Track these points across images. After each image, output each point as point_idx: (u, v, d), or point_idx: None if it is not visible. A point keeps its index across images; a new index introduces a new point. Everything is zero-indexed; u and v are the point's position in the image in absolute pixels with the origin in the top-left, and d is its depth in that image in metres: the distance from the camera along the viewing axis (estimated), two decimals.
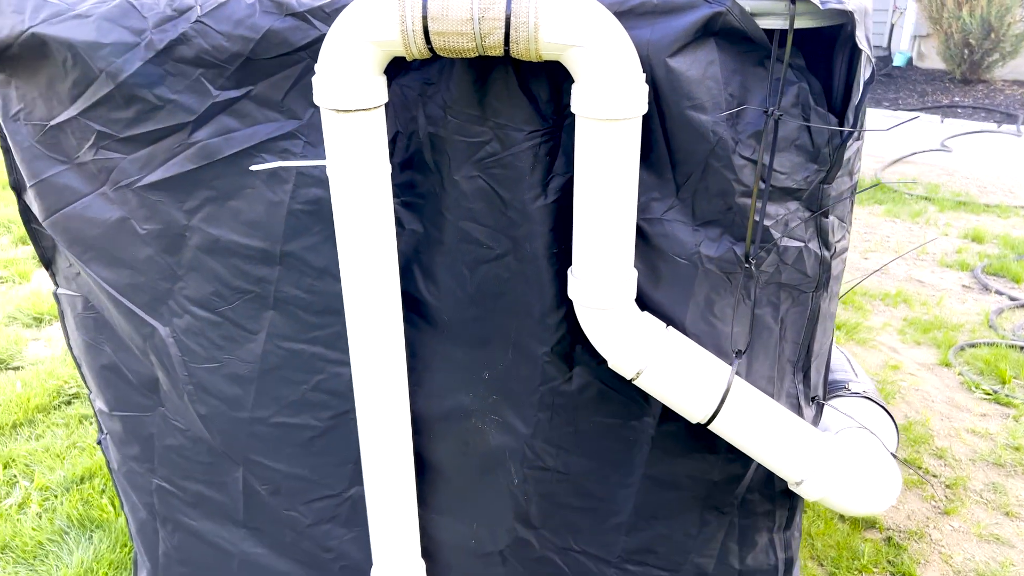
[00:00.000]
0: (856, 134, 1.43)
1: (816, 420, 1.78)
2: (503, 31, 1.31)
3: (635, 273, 1.51)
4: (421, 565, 1.94)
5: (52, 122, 1.64)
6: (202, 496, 2.05)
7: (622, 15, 1.37)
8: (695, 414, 1.54)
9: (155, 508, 2.13)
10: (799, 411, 1.71)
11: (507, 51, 1.33)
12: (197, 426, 1.92)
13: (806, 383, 1.71)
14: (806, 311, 1.61)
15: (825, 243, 1.55)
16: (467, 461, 1.85)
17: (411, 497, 1.84)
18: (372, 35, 1.33)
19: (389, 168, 1.48)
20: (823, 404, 1.79)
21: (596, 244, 1.45)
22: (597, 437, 1.75)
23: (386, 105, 1.51)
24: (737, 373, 1.64)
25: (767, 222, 1.50)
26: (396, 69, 1.51)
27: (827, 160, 1.46)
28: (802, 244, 1.53)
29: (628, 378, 1.55)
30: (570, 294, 1.52)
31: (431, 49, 1.35)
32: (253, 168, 1.55)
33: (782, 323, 1.62)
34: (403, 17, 1.31)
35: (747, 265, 1.49)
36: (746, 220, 1.48)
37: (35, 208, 1.77)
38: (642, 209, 1.53)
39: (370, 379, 1.65)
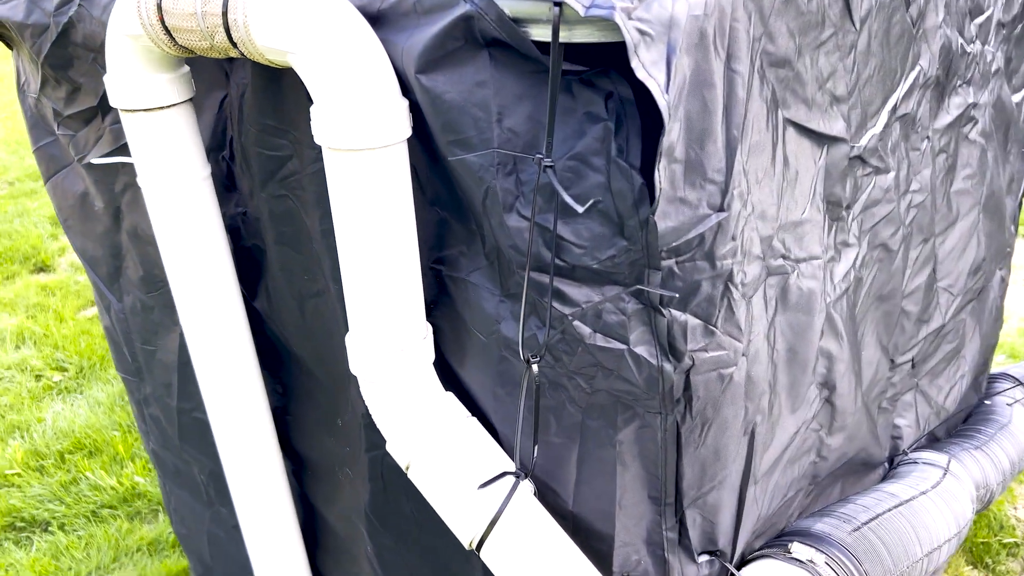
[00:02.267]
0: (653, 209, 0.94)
1: None
2: (224, 30, 1.07)
3: (419, 342, 1.18)
4: None
5: (31, 96, 1.74)
6: (177, 470, 2.09)
7: (380, 16, 1.05)
8: (461, 533, 1.17)
9: (158, 466, 2.23)
10: (663, 565, 1.22)
11: (242, 53, 1.10)
12: (151, 405, 1.95)
13: (683, 532, 1.22)
14: (658, 436, 1.13)
15: (671, 351, 1.06)
16: (341, 511, 1.64)
17: (288, 531, 1.68)
18: (125, 29, 1.18)
19: (202, 173, 1.32)
20: (727, 566, 1.26)
21: (361, 303, 1.15)
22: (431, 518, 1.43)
23: (220, 107, 1.35)
24: (550, 497, 1.22)
25: (567, 310, 1.07)
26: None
27: (636, 237, 0.99)
28: (623, 347, 1.06)
29: (404, 468, 1.23)
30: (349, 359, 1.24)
31: (181, 46, 1.16)
32: (93, 161, 1.49)
33: (620, 445, 1.15)
34: (139, 9, 1.14)
35: (526, 360, 1.08)
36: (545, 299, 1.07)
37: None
38: (450, 264, 1.19)
39: (218, 404, 1.52)
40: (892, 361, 1.72)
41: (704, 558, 1.25)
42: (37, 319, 4.72)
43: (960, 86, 1.60)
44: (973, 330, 2.14)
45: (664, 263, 1.01)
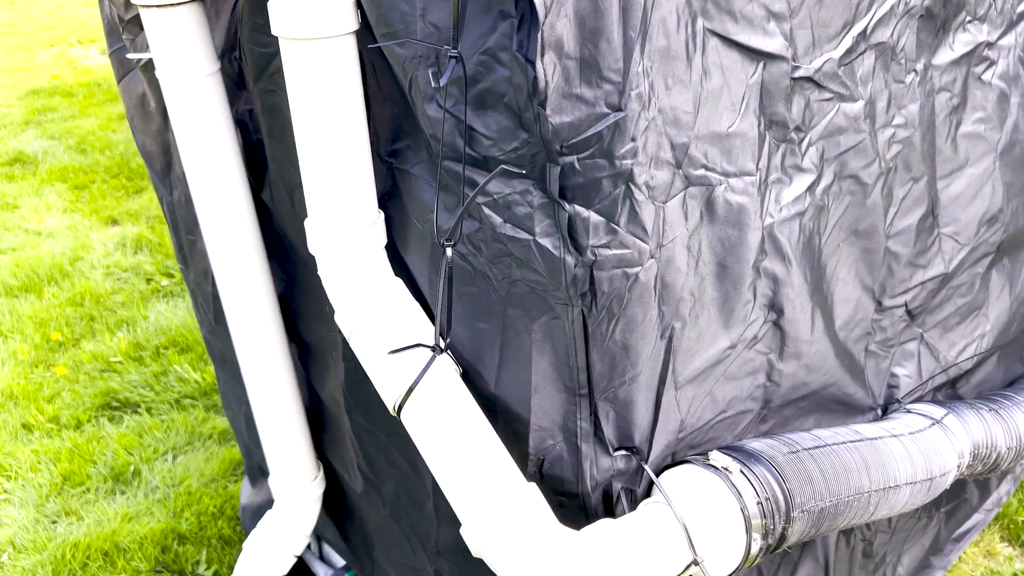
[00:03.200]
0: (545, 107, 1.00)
1: (620, 479, 1.33)
2: None
3: (368, 227, 1.29)
4: (316, 469, 1.95)
5: (106, 2, 1.94)
6: (222, 355, 2.30)
7: None
8: (385, 398, 1.28)
9: (209, 352, 2.46)
10: (576, 454, 1.30)
11: None
12: (196, 293, 2.16)
13: (597, 425, 1.29)
14: (567, 328, 1.20)
15: (574, 244, 1.13)
16: (329, 391, 1.79)
17: (292, 411, 1.84)
18: None
19: (209, 68, 1.47)
20: (643, 464, 1.32)
21: (316, 188, 1.27)
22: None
23: (233, 9, 1.49)
24: (477, 379, 1.31)
25: (481, 199, 1.14)
26: None
27: (534, 130, 1.05)
28: (530, 238, 1.14)
29: (347, 337, 1.35)
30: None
31: None
32: (128, 56, 1.66)
33: (535, 334, 1.23)
34: None
35: (441, 243, 1.16)
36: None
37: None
38: (399, 157, 1.29)
39: (228, 289, 1.68)
40: (879, 303, 1.70)
41: (620, 453, 1.32)
42: (155, 229, 5.14)
43: (968, 22, 1.55)
44: (1001, 289, 2.06)
45: (565, 159, 1.07)
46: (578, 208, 1.10)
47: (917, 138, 1.53)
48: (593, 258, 1.13)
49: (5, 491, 3.19)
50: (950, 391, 2.23)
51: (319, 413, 1.93)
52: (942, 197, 1.69)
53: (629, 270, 1.16)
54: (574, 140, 1.06)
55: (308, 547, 2.59)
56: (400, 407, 1.24)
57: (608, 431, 1.28)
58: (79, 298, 4.44)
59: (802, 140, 1.33)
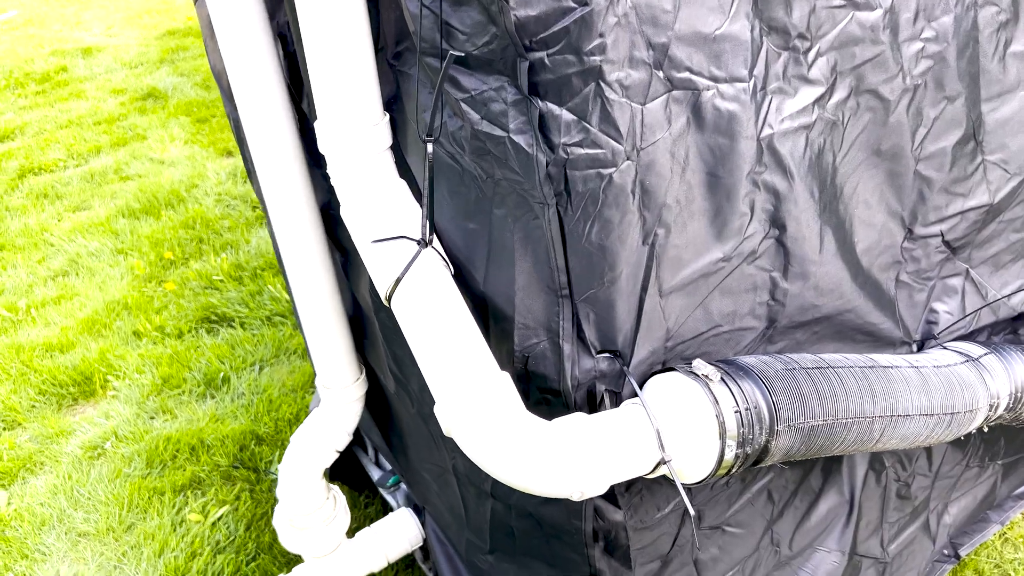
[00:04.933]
0: None
1: (603, 380, 1.36)
2: None
3: (371, 128, 1.34)
4: (357, 371, 2.06)
5: None
6: None
7: None
8: (380, 287, 1.35)
9: (280, 269, 2.60)
10: (558, 353, 1.33)
11: None
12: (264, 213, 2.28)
13: (578, 325, 1.31)
14: (545, 228, 1.23)
15: (547, 142, 1.15)
16: (362, 295, 1.88)
17: (334, 316, 1.95)
18: None
19: None
20: (625, 367, 1.34)
21: (323, 91, 1.33)
22: None
23: None
24: (468, 278, 1.36)
25: (459, 95, 1.18)
26: None
27: (501, 23, 1.07)
28: (504, 134, 1.16)
29: (351, 232, 1.42)
30: None
31: None
32: None
33: (517, 234, 1.26)
34: None
35: (421, 138, 1.20)
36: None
37: None
38: (402, 60, 1.33)
39: (270, 195, 1.79)
40: (910, 231, 1.62)
41: (603, 355, 1.34)
42: None
43: None
44: None
45: (535, 55, 1.09)
46: (550, 105, 1.12)
47: (952, 54, 1.44)
48: (566, 156, 1.14)
49: (114, 388, 3.51)
50: (1011, 336, 2.11)
51: (360, 319, 2.03)
52: (987, 121, 1.58)
53: (603, 170, 1.17)
54: (542, 35, 1.07)
55: (365, 452, 2.75)
56: (390, 296, 1.31)
57: (589, 333, 1.31)
58: (191, 222, 4.75)
59: (808, 49, 1.28)
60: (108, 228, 4.71)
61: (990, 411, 1.73)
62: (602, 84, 1.11)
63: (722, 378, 1.33)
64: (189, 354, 3.64)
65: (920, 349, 1.84)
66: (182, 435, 3.17)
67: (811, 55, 1.29)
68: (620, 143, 1.16)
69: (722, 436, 1.29)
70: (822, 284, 1.50)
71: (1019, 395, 1.80)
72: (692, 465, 1.30)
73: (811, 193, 1.39)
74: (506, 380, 1.24)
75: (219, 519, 2.82)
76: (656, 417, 1.28)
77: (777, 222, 1.38)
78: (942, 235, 1.66)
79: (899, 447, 1.61)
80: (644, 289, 1.30)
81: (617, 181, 1.18)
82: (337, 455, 2.15)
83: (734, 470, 1.34)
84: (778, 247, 1.41)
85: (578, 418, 1.26)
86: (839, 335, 1.65)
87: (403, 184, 1.39)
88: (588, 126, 1.13)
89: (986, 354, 1.77)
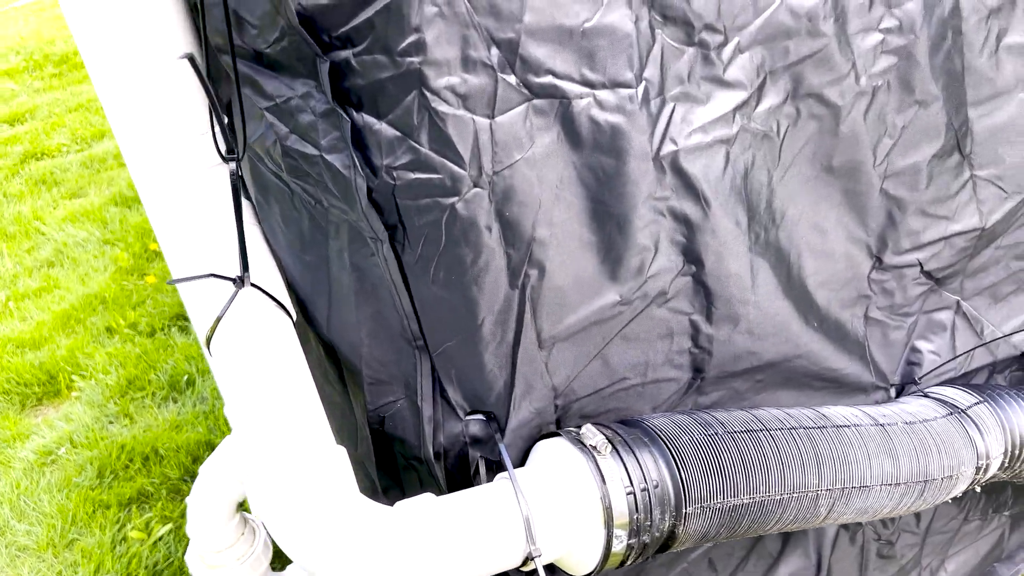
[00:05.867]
0: None
1: (478, 447, 1.12)
2: None
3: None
4: None
5: None
6: None
7: None
8: (196, 327, 1.12)
9: None
10: (418, 414, 1.09)
11: None
12: None
13: (437, 382, 1.07)
14: (383, 266, 0.99)
15: (366, 162, 0.90)
16: None
17: None
18: None
19: None
20: (497, 433, 1.10)
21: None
22: None
23: None
24: (313, 321, 1.13)
25: (263, 103, 0.94)
26: None
27: (288, 14, 0.83)
28: (316, 152, 0.92)
29: None
30: None
31: None
32: None
33: (357, 271, 1.02)
34: None
35: (221, 156, 0.97)
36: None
37: None
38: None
39: None
40: (878, 259, 1.34)
41: (474, 418, 1.10)
42: None
43: None
44: None
45: (338, 54, 0.85)
46: (366, 118, 0.88)
47: (922, 48, 1.16)
48: (392, 181, 0.90)
49: (78, 389, 3.37)
50: (1020, 375, 1.80)
51: None
52: (976, 129, 1.29)
53: (443, 200, 0.92)
54: (343, 29, 0.82)
55: None
56: (208, 340, 1.08)
57: (453, 392, 1.07)
58: None
59: (722, 45, 1.02)
60: (99, 216, 4.59)
61: (978, 473, 1.45)
62: (426, 92, 0.86)
63: (615, 449, 1.07)
64: (158, 354, 3.49)
65: (899, 395, 1.56)
66: (136, 443, 3.01)
67: (727, 51, 1.02)
68: (461, 166, 0.91)
69: (608, 524, 1.05)
70: (758, 328, 1.24)
71: (1017, 451, 1.51)
72: (572, 559, 1.06)
73: (736, 221, 1.13)
74: (338, 457, 1.01)
75: (160, 538, 2.66)
76: (528, 499, 1.04)
77: (692, 257, 1.12)
78: (920, 264, 1.38)
79: (859, 520, 1.35)
80: (517, 340, 1.05)
81: (463, 213, 0.93)
82: None
83: (628, 563, 1.09)
84: (697, 286, 1.15)
85: (425, 501, 1.02)
86: (791, 383, 1.38)
87: (245, 206, 1.16)
88: (416, 145, 0.88)
89: (976, 403, 1.48)
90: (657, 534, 1.09)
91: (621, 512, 1.05)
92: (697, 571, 1.50)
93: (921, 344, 1.52)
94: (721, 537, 1.18)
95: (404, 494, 1.13)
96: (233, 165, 0.94)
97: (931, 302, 1.49)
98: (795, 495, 1.20)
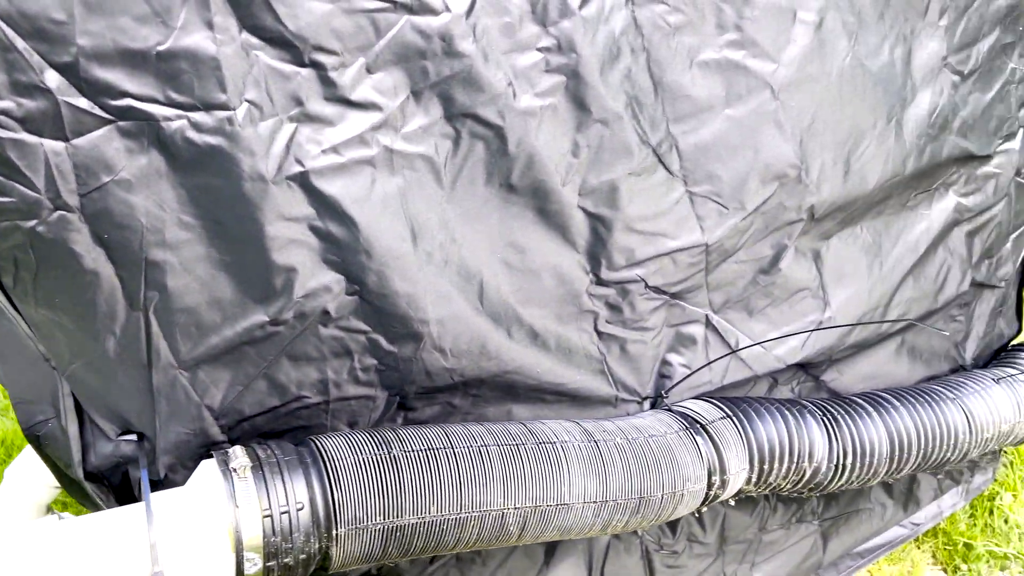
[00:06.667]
0: None
1: (136, 466, 1.10)
2: None
3: None
4: None
5: None
6: None
7: None
8: None
9: None
10: (66, 434, 1.08)
11: None
12: None
13: (78, 401, 1.06)
14: None
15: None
16: None
17: None
18: None
19: None
20: (141, 455, 1.08)
21: None
22: None
23: None
24: None
25: None
26: None
27: None
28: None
29: None
30: None
31: None
32: None
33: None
34: None
35: None
36: None
37: None
38: None
39: None
40: (596, 276, 1.32)
41: (126, 438, 1.08)
42: None
43: None
44: (856, 265, 1.59)
45: None
46: None
47: (591, 67, 1.13)
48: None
49: None
50: (811, 385, 1.78)
51: None
52: (683, 147, 1.27)
53: (22, 223, 0.90)
54: None
55: None
56: None
57: (94, 412, 1.05)
58: None
59: (343, 65, 0.99)
60: None
61: (713, 490, 1.43)
62: None
63: (262, 471, 1.06)
64: None
65: (653, 407, 1.54)
66: None
67: (351, 73, 1.00)
68: (33, 189, 0.89)
69: (238, 547, 1.03)
70: (450, 345, 1.21)
71: (766, 466, 1.49)
72: None
73: (399, 240, 1.10)
74: None
75: None
76: (161, 522, 1.02)
77: (352, 277, 1.10)
78: (644, 280, 1.36)
79: (567, 538, 1.33)
80: (151, 361, 1.04)
81: (48, 236, 0.92)
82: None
83: None
84: (366, 305, 1.13)
85: (42, 525, 1.01)
86: (518, 397, 1.37)
87: None
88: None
89: (721, 418, 1.46)
90: (303, 556, 1.07)
91: (254, 535, 1.03)
92: None
93: (672, 357, 1.50)
94: (394, 557, 1.16)
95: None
96: None
97: (676, 316, 1.46)
98: (476, 514, 1.18)
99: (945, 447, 1.75)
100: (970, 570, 2.20)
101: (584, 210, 1.24)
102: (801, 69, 1.28)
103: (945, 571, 2.24)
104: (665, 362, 1.50)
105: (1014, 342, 2.18)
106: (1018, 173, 1.77)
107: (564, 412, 1.44)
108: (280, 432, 1.19)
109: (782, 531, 1.93)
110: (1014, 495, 2.40)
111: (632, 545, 1.69)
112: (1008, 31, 1.55)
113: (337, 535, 1.08)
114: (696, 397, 1.53)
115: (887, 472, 1.69)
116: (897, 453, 1.67)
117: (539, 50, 1.09)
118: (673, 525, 1.73)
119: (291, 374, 1.14)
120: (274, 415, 1.16)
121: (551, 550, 1.60)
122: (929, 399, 1.76)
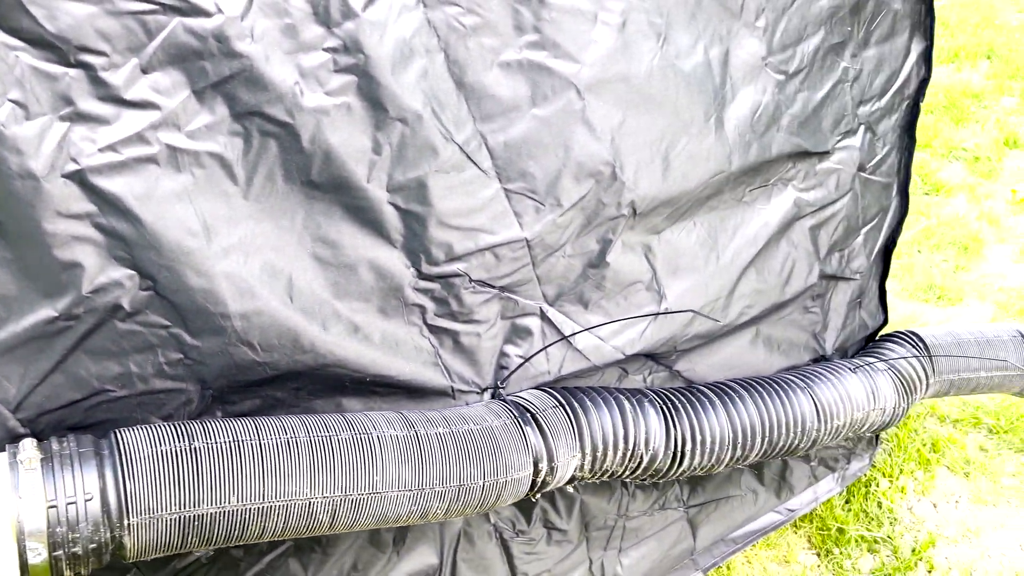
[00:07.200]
0: None
1: None
2: None
3: None
4: None
5: None
6: None
7: None
8: None
9: None
10: None
11: None
12: None
13: None
14: None
15: None
16: None
17: None
18: None
19: None
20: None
21: None
22: None
23: None
24: None
25: None
26: None
27: None
28: None
29: None
30: None
31: None
32: None
33: None
34: None
35: None
36: None
37: None
38: None
39: None
40: (418, 271, 1.35)
41: None
42: None
43: None
44: (694, 259, 1.63)
45: None
46: None
47: (381, 67, 1.15)
48: None
49: None
50: (664, 375, 1.82)
51: None
52: (492, 145, 1.30)
53: None
54: None
55: None
56: None
57: None
58: None
59: (115, 66, 1.01)
60: None
61: (543, 475, 1.46)
62: None
63: (51, 463, 1.07)
64: None
65: (494, 397, 1.57)
66: None
67: (123, 72, 1.01)
68: None
69: (20, 537, 1.05)
70: (259, 339, 1.23)
71: (600, 453, 1.53)
72: None
73: (189, 235, 1.12)
74: None
75: None
76: None
77: (144, 272, 1.12)
78: (467, 274, 1.38)
79: (384, 527, 1.36)
80: None
81: None
82: None
83: (68, 573, 1.10)
84: (162, 301, 1.15)
85: None
86: (344, 390, 1.39)
87: None
88: None
89: (552, 408, 1.49)
90: (93, 545, 1.09)
91: (37, 525, 1.05)
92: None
93: (509, 348, 1.53)
94: (196, 546, 1.18)
95: None
96: None
97: (511, 308, 1.49)
98: (280, 504, 1.20)
99: (792, 434, 1.80)
100: (841, 553, 2.26)
101: (395, 206, 1.26)
102: (606, 69, 1.32)
103: (818, 555, 2.29)
104: (503, 354, 1.53)
105: (882, 332, 2.24)
106: (862, 168, 1.82)
107: (400, 404, 1.47)
108: (91, 425, 1.20)
109: (645, 517, 1.97)
110: (890, 480, 2.46)
111: (483, 531, 1.72)
112: (835, 32, 1.59)
113: (130, 524, 1.10)
114: (536, 387, 1.57)
115: (732, 459, 1.74)
116: (741, 440, 1.71)
117: (325, 50, 1.11)
118: (527, 512, 1.76)
119: (91, 368, 1.15)
120: (78, 408, 1.17)
121: (400, 538, 1.63)
122: (778, 388, 1.80)
